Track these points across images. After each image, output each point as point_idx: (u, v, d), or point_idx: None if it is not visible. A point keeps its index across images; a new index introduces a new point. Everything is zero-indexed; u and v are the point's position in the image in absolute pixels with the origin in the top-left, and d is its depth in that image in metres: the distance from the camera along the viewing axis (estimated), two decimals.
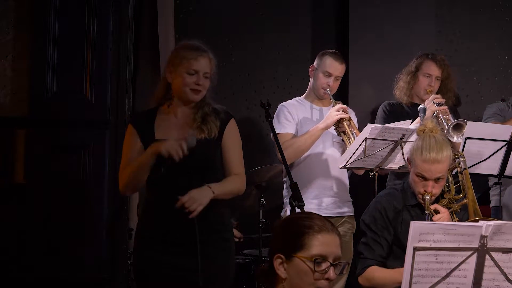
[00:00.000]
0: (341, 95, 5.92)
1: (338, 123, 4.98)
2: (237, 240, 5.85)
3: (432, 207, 3.92)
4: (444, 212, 3.94)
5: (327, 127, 5.00)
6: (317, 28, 6.54)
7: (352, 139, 4.88)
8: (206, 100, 3.98)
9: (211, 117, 3.95)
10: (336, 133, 5.05)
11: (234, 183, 3.99)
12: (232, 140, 4.01)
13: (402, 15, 6.41)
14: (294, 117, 5.16)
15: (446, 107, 5.15)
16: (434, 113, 5.06)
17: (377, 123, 5.33)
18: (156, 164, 3.81)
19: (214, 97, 4.07)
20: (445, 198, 4.10)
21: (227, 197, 3.96)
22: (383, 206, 4.04)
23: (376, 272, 3.92)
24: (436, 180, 3.91)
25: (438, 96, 5.21)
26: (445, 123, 5.02)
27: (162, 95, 3.99)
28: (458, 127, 4.91)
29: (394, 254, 3.98)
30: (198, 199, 3.77)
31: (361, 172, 5.14)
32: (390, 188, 4.37)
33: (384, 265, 3.98)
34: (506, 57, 6.48)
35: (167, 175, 3.81)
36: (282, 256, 2.66)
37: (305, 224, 2.67)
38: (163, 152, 3.74)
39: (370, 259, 3.95)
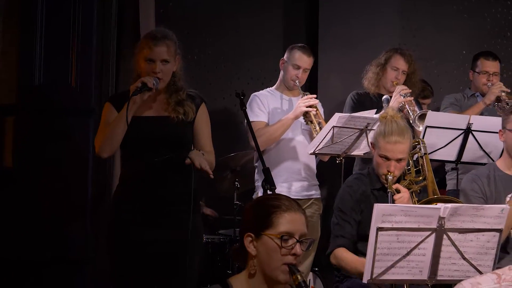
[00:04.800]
0: (311, 87, 5.96)
1: (306, 113, 5.00)
2: (212, 218, 5.91)
3: (394, 186, 3.99)
4: (404, 191, 4.01)
5: (296, 117, 5.02)
6: (288, 23, 6.58)
7: (318, 128, 4.92)
8: (178, 84, 4.02)
9: (187, 101, 4.00)
10: (305, 122, 5.09)
11: (210, 156, 4.03)
12: (204, 121, 4.09)
13: (368, 11, 6.46)
14: (265, 106, 5.17)
15: (412, 98, 5.19)
16: (400, 103, 5.12)
17: (345, 111, 5.35)
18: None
19: (189, 82, 4.09)
20: (406, 180, 4.18)
21: (207, 166, 3.90)
22: (353, 189, 4.12)
23: (343, 254, 3.96)
24: (398, 160, 3.99)
25: (405, 87, 5.22)
26: (411, 113, 5.06)
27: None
28: (422, 117, 4.97)
29: (364, 237, 4.03)
30: (201, 160, 3.85)
31: (327, 159, 5.19)
32: (357, 173, 4.43)
33: (354, 244, 4.04)
34: (464, 52, 6.54)
35: (144, 152, 3.86)
36: (251, 234, 2.67)
37: (273, 204, 2.70)
38: (139, 83, 3.80)
39: (340, 237, 4.01)
